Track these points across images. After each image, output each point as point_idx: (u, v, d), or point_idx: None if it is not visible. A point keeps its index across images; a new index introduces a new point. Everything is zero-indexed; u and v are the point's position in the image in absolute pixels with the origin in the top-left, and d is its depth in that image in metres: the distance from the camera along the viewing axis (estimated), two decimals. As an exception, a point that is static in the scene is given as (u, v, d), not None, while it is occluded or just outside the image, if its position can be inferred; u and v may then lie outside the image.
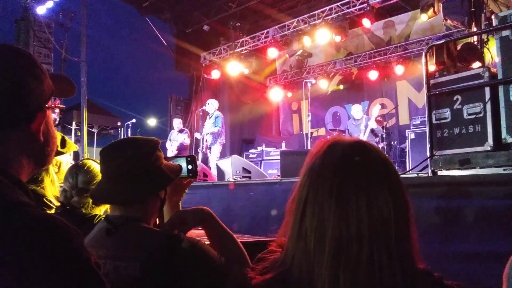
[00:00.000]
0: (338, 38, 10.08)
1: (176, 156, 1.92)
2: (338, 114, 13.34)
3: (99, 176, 2.12)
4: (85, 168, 2.18)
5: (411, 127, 9.02)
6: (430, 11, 8.10)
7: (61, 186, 2.31)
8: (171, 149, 9.57)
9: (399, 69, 11.53)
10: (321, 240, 0.91)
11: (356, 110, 8.94)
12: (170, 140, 9.86)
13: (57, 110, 1.12)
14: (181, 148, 9.65)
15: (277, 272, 0.99)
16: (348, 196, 0.92)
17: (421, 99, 11.17)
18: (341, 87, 12.82)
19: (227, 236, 1.62)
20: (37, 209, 0.81)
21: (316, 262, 0.91)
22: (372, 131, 8.55)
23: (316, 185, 0.96)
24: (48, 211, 2.12)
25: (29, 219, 0.77)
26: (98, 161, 2.25)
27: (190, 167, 1.81)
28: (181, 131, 9.95)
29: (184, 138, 9.77)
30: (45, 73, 0.97)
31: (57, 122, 1.08)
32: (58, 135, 2.43)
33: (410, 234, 0.96)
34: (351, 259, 0.89)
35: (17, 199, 0.81)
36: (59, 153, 2.42)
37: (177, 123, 10.05)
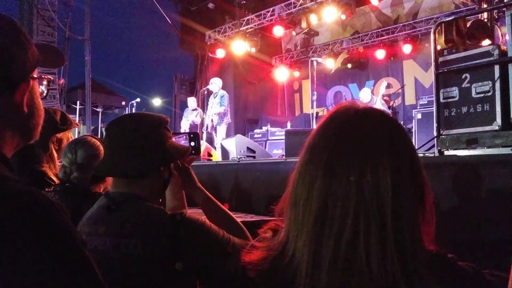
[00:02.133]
0: (344, 16, 9.93)
1: (178, 133, 1.89)
2: (342, 93, 13.22)
3: (99, 151, 2.11)
4: (85, 143, 2.12)
5: (418, 107, 8.93)
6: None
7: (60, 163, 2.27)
8: (184, 128, 9.56)
9: (406, 48, 11.37)
10: (308, 210, 0.88)
11: (364, 94, 8.86)
12: (185, 118, 9.85)
13: (45, 82, 1.06)
14: (192, 127, 9.64)
15: (276, 243, 0.97)
16: (337, 168, 0.87)
17: (428, 78, 11.04)
18: (349, 66, 12.67)
19: (224, 215, 1.66)
20: (20, 183, 0.78)
21: (301, 232, 0.89)
22: None
23: (309, 155, 0.93)
24: (49, 190, 2.10)
25: (10, 193, 0.74)
26: (98, 137, 2.23)
27: (192, 143, 1.80)
28: (194, 109, 9.92)
29: (196, 116, 9.73)
30: (29, 40, 0.92)
31: (44, 95, 1.03)
32: (58, 112, 2.40)
33: (420, 215, 0.88)
34: (332, 236, 0.84)
35: None
36: (59, 130, 2.39)
37: (191, 101, 9.95)
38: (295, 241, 0.90)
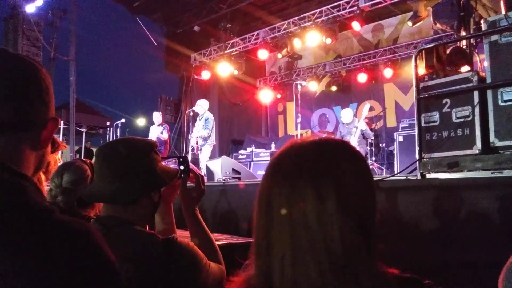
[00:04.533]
0: (329, 41, 10.13)
1: (167, 157, 1.91)
2: (326, 116, 13.40)
3: (86, 176, 2.11)
4: (72, 168, 2.12)
5: (399, 130, 9.07)
6: (415, 19, 8.22)
7: (48, 186, 2.27)
8: None
9: (387, 72, 11.62)
10: (259, 249, 0.90)
11: (345, 114, 8.98)
12: (149, 136, 9.70)
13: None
14: (158, 143, 9.58)
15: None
16: (272, 202, 0.87)
17: (407, 102, 11.28)
18: (333, 88, 12.87)
19: (207, 235, 1.73)
20: (63, 215, 0.83)
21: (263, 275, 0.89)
22: (363, 134, 8.60)
23: (259, 191, 0.93)
24: None
25: (60, 226, 0.79)
26: (87, 161, 2.24)
27: (182, 167, 1.82)
28: (160, 124, 9.85)
29: (162, 132, 9.62)
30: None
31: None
32: None
33: (367, 237, 0.86)
34: (278, 260, 0.85)
35: (45, 206, 0.83)
36: None
37: (156, 117, 9.89)
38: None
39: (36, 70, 0.97)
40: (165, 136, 9.67)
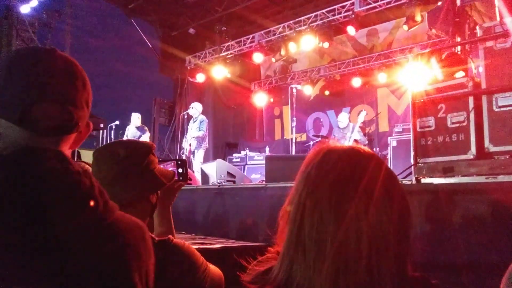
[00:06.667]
0: (326, 45, 10.14)
1: (165, 159, 1.91)
2: (320, 120, 13.44)
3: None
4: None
5: (393, 134, 9.11)
6: (411, 23, 8.30)
7: None
8: None
9: (381, 77, 11.64)
10: (321, 249, 0.90)
11: (342, 119, 9.02)
12: (127, 137, 9.39)
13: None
14: None
15: (274, 284, 0.97)
16: (347, 205, 0.91)
17: (400, 106, 11.32)
18: (327, 93, 12.91)
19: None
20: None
21: (316, 272, 0.90)
22: (356, 141, 8.65)
23: (314, 194, 0.94)
24: None
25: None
26: (89, 163, 2.23)
27: (180, 170, 1.82)
28: (140, 128, 9.47)
29: (141, 136, 9.31)
30: None
31: None
32: None
33: (408, 241, 0.95)
34: (350, 267, 0.88)
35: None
36: None
37: (136, 117, 9.49)
38: (308, 281, 0.92)
39: (85, 77, 1.04)
40: (144, 139, 9.30)
